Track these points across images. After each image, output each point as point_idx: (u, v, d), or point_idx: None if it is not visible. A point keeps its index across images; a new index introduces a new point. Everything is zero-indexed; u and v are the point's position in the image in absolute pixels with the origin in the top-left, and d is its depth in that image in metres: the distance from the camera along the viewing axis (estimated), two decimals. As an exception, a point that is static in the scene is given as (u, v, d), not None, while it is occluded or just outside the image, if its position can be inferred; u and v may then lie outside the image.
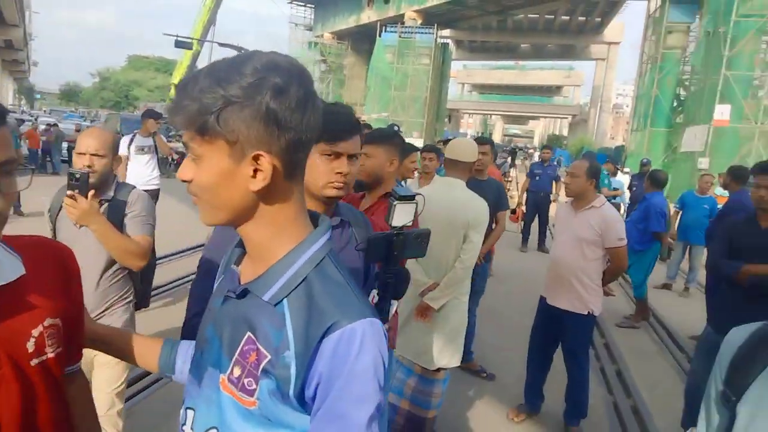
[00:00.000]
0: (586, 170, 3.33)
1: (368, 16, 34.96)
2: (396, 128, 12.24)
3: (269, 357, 0.78)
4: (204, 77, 0.75)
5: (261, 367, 0.79)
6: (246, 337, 0.81)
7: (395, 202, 1.34)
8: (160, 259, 6.31)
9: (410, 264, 2.61)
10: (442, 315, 2.88)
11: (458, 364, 2.97)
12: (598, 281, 3.36)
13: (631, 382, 4.25)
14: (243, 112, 0.74)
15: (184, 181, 0.81)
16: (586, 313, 3.32)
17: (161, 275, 5.58)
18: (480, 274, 4.08)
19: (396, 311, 1.48)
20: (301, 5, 40.40)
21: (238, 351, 0.82)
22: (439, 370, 2.90)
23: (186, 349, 1.11)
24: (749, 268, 2.91)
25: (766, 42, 18.52)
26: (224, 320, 0.86)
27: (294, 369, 0.77)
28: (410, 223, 1.38)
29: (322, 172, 1.40)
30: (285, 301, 0.80)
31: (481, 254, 3.99)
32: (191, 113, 0.75)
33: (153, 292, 4.35)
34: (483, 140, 4.35)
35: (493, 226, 4.22)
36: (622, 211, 9.98)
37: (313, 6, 40.44)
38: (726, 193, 6.00)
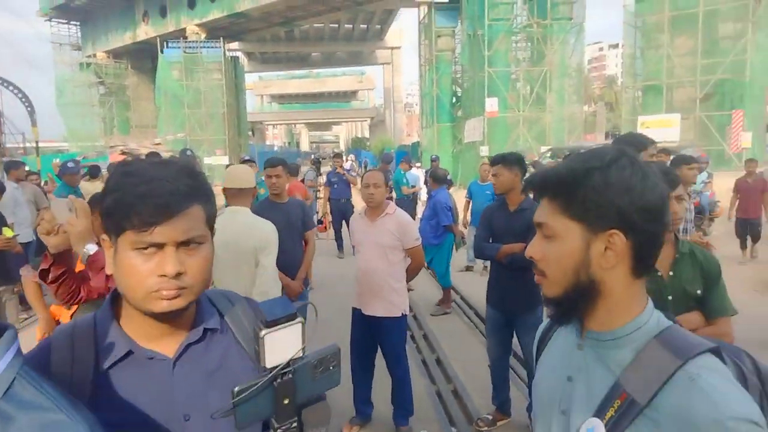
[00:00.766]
0: (384, 179, 3.48)
1: (145, 32, 32.46)
2: (188, 152, 11.47)
3: None
4: None
5: None
6: None
7: (263, 332, 0.82)
8: None
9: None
10: None
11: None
12: (404, 281, 3.55)
13: (449, 367, 4.57)
14: None
15: None
16: (399, 314, 3.48)
17: None
18: (301, 299, 4.00)
19: None
20: (63, 23, 35.83)
21: None
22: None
23: None
24: (505, 248, 3.31)
25: (515, 42, 21.66)
26: None
27: None
28: (300, 354, 0.88)
29: (140, 275, 0.89)
30: None
31: (299, 279, 3.94)
32: None
33: None
34: (273, 162, 4.04)
35: (304, 247, 4.17)
36: (424, 198, 10.62)
37: (77, 23, 36.17)
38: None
